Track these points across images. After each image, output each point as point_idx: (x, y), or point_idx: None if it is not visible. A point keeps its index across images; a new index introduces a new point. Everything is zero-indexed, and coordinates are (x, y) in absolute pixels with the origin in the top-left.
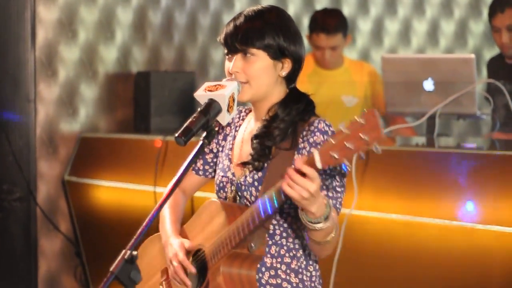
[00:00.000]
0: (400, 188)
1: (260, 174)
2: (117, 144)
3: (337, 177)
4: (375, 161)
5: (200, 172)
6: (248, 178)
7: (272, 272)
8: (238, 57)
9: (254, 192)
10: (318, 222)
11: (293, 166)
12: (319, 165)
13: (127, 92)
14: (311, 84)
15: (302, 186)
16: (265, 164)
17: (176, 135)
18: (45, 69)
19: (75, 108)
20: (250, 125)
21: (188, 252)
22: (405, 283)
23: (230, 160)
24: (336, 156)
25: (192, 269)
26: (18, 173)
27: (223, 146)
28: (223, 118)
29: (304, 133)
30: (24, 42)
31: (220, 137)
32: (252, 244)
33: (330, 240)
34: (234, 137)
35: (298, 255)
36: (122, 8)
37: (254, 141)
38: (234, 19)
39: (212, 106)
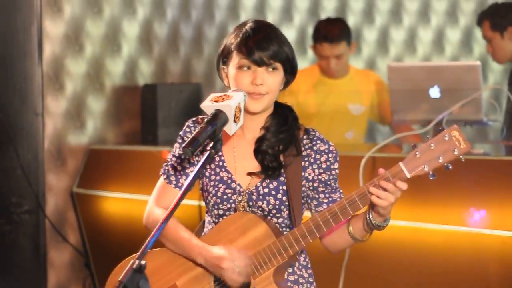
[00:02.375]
0: (407, 194)
1: (275, 183)
2: (125, 155)
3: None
4: (382, 167)
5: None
6: (262, 188)
7: (290, 270)
8: (262, 70)
9: (272, 201)
10: (384, 225)
11: (375, 179)
12: (408, 175)
13: (134, 104)
14: (317, 93)
15: (393, 193)
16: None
17: (183, 145)
18: (53, 83)
19: (83, 121)
20: (244, 136)
21: None
22: None
23: (228, 172)
24: (426, 168)
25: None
26: (26, 186)
27: None
28: (230, 128)
29: (305, 141)
30: (31, 57)
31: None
32: (299, 251)
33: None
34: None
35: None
36: (128, 22)
37: (259, 153)
38: (254, 32)
39: (218, 117)
